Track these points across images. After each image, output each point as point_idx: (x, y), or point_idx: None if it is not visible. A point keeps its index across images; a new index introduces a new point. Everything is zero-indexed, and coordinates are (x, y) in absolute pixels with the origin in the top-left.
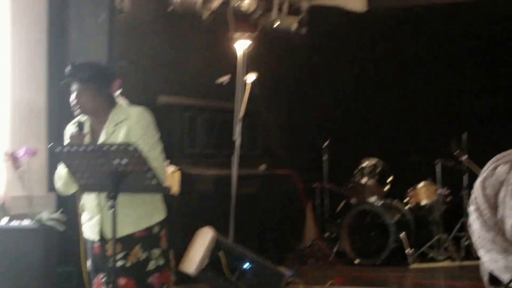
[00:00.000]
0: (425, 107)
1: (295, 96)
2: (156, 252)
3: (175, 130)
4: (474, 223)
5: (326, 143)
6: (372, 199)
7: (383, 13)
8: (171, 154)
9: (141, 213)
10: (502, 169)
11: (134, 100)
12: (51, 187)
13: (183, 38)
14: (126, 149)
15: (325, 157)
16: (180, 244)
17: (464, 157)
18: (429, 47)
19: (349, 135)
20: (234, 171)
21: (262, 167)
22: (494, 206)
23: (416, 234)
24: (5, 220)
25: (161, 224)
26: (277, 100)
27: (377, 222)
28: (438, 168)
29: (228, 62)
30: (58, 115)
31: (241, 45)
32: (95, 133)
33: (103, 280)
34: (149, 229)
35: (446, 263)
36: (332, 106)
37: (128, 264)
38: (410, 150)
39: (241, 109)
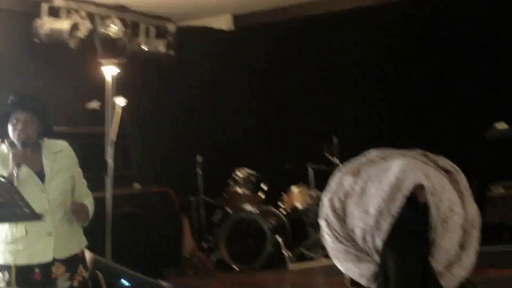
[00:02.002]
0: (295, 112)
1: (167, 116)
2: (87, 271)
3: None
4: (326, 235)
5: (199, 158)
6: (248, 207)
7: (250, 31)
8: None
9: (79, 234)
10: (347, 181)
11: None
12: None
13: (51, 68)
14: None
15: (199, 172)
16: None
17: (335, 160)
18: (295, 58)
19: (222, 148)
20: (108, 191)
21: (137, 186)
22: (343, 218)
23: (293, 237)
24: None
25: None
26: (150, 121)
27: (254, 229)
28: (310, 172)
29: (98, 88)
30: None
31: (109, 71)
32: (27, 162)
33: None
34: (82, 250)
35: (324, 262)
36: (204, 121)
37: (76, 284)
38: (282, 156)
39: (112, 132)
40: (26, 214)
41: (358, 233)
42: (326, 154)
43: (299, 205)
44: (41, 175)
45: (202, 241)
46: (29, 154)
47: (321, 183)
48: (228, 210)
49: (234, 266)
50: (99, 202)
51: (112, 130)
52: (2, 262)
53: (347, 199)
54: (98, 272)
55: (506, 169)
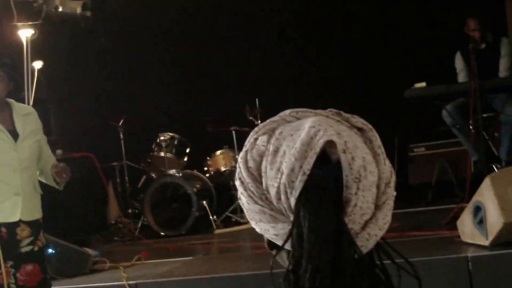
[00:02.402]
0: (218, 76)
1: (86, 78)
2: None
3: None
4: (242, 196)
5: (121, 122)
6: (172, 171)
7: None
8: None
9: (40, 201)
10: (261, 140)
11: None
12: None
13: None
14: None
15: (121, 136)
16: None
17: (257, 122)
18: (216, 17)
19: (144, 112)
20: None
21: (58, 152)
22: (258, 178)
23: (219, 201)
24: None
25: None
26: (69, 85)
27: (179, 194)
28: (234, 135)
29: (14, 51)
30: None
31: (25, 33)
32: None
33: (10, 266)
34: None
35: (250, 225)
36: (126, 85)
37: (36, 249)
38: (206, 120)
39: (30, 97)
40: None
41: (272, 192)
42: (249, 117)
43: (223, 169)
44: (13, 134)
45: (127, 208)
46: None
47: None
48: (153, 175)
49: (160, 232)
50: None
51: (31, 96)
52: None
53: (261, 158)
54: None
55: (428, 130)
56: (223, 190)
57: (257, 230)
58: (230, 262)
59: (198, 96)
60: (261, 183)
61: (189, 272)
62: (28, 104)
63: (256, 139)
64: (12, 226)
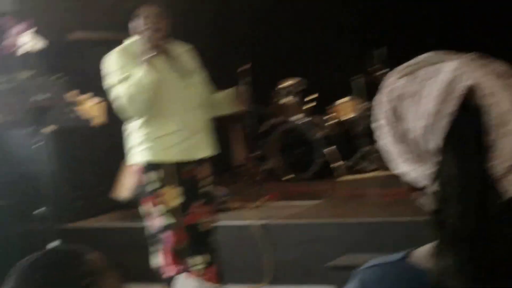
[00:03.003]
0: (343, 20)
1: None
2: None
3: (94, 64)
4: (384, 137)
5: (244, 67)
6: (296, 117)
7: None
8: (96, 88)
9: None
10: (402, 82)
11: (50, 37)
12: None
13: None
14: (45, 84)
15: (244, 81)
16: (113, 173)
17: (385, 71)
18: None
19: (271, 56)
20: None
21: None
22: (397, 120)
23: (342, 149)
24: None
25: None
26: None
27: (301, 140)
28: (359, 83)
29: None
30: None
31: None
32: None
33: (197, 207)
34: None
35: (375, 173)
36: (249, 29)
37: (211, 189)
38: (331, 66)
39: None
40: (74, 119)
41: (413, 134)
42: (375, 64)
43: (348, 116)
44: (179, 71)
45: (251, 151)
46: (163, 46)
47: (370, 95)
48: (277, 120)
49: (284, 177)
50: None
51: None
52: (152, 157)
53: (401, 101)
54: None
55: None
56: (346, 138)
57: (398, 172)
58: (357, 208)
59: (324, 42)
60: (401, 124)
61: (316, 216)
62: None
63: (395, 80)
64: (193, 165)
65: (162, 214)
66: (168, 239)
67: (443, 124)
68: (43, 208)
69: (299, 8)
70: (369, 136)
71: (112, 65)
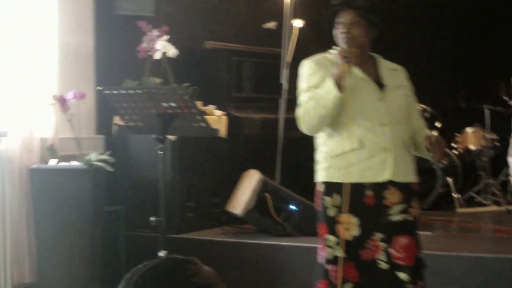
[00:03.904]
0: (471, 51)
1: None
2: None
3: (222, 75)
4: None
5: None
6: None
7: None
8: (219, 98)
9: (414, 163)
10: None
11: (181, 45)
12: (99, 129)
13: None
14: (175, 92)
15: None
16: (228, 186)
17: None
18: None
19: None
20: (281, 114)
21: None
22: None
23: (464, 179)
24: (53, 161)
25: None
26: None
27: (424, 167)
28: (486, 113)
29: (275, 7)
30: (106, 58)
31: None
32: (365, 71)
33: (380, 240)
34: (418, 184)
35: (493, 208)
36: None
37: (410, 219)
38: (458, 95)
39: (288, 54)
40: (201, 129)
41: None
42: (503, 95)
43: (472, 147)
44: (378, 84)
45: None
46: (361, 58)
47: (497, 126)
48: None
49: None
50: (271, 125)
51: (288, 52)
52: (326, 179)
53: None
54: (266, 194)
55: None
56: (470, 168)
57: None
58: (470, 242)
59: (451, 70)
60: None
61: (428, 247)
62: (285, 61)
63: None
64: (379, 189)
65: (332, 245)
66: (333, 273)
67: None
68: (157, 217)
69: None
70: (491, 169)
71: (303, 71)
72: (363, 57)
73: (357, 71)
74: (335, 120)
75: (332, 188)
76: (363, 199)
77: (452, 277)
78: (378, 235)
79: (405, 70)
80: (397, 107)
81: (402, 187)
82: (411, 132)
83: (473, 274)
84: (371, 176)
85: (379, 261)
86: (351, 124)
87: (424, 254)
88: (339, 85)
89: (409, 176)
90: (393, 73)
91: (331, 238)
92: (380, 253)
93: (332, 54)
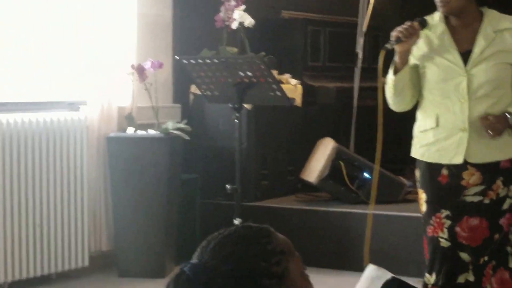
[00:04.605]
0: None
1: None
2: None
3: (298, 44)
4: None
5: None
6: None
7: None
8: (294, 68)
9: (508, 140)
10: None
11: (258, 15)
12: (176, 98)
13: None
14: (252, 61)
15: None
16: (302, 154)
17: None
18: None
19: None
20: (356, 83)
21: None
22: None
23: None
24: (131, 129)
25: None
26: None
27: None
28: None
29: None
30: (184, 28)
31: None
32: (460, 38)
33: (445, 217)
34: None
35: None
36: None
37: (486, 201)
38: None
39: (364, 23)
40: (277, 98)
41: None
42: None
43: None
44: (466, 55)
45: None
46: (456, 25)
47: None
48: None
49: None
50: (346, 93)
51: (365, 21)
52: (413, 153)
53: None
54: (341, 162)
55: None
56: None
57: None
58: None
59: None
60: None
61: None
62: (361, 30)
63: None
64: (457, 169)
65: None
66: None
67: None
68: (233, 185)
69: None
70: None
71: None
72: (464, 19)
73: (443, 40)
74: (421, 95)
75: (417, 162)
76: (437, 177)
77: None
78: (444, 213)
79: None
80: (484, 80)
81: (484, 168)
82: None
83: None
84: (447, 158)
85: (441, 239)
86: (431, 100)
87: None
88: (398, 66)
89: (496, 155)
90: (500, 35)
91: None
92: (444, 230)
93: (433, 19)
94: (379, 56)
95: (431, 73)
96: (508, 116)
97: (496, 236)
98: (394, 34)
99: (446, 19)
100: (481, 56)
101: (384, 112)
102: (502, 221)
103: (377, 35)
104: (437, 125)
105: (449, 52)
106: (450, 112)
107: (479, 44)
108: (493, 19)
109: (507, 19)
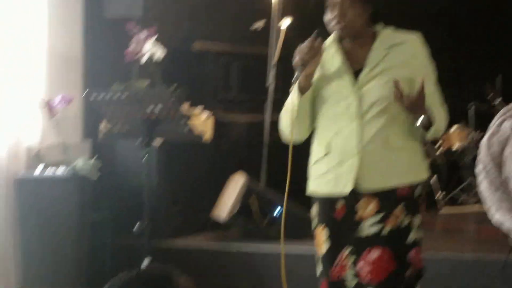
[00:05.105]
0: (458, 50)
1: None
2: (417, 220)
3: (209, 76)
4: (482, 183)
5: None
6: None
7: None
8: (206, 100)
9: (407, 163)
10: (507, 124)
11: (169, 46)
12: (86, 134)
13: None
14: (161, 96)
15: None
16: (214, 190)
17: (498, 101)
18: None
19: None
20: (267, 117)
21: None
22: (500, 164)
23: (447, 179)
24: (40, 167)
25: (424, 186)
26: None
27: None
28: (471, 112)
29: (263, 7)
30: (94, 61)
31: None
32: (353, 57)
33: (348, 254)
34: (412, 187)
35: (477, 207)
36: None
37: (386, 231)
38: (443, 93)
39: (275, 55)
40: (187, 133)
41: None
42: (488, 95)
43: (456, 146)
44: (358, 76)
45: None
46: (350, 46)
47: (482, 125)
48: None
49: None
50: (257, 127)
51: (276, 53)
52: (312, 190)
53: (505, 144)
54: (252, 197)
55: None
56: (453, 168)
57: (496, 218)
58: (453, 242)
59: (437, 68)
60: (502, 169)
61: None
62: (271, 63)
63: (501, 122)
64: (351, 200)
65: (317, 259)
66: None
67: None
68: (141, 223)
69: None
70: (474, 167)
71: None
72: (358, 40)
73: (335, 60)
74: (316, 122)
75: (313, 198)
76: (333, 212)
77: (435, 278)
78: (347, 250)
79: (416, 42)
80: (375, 99)
81: (381, 195)
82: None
83: (456, 275)
84: (340, 187)
85: (346, 280)
86: (324, 126)
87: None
88: (302, 90)
89: (392, 180)
90: (393, 50)
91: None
92: (348, 270)
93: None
94: (290, 90)
95: (324, 95)
96: (422, 117)
97: (407, 273)
98: (296, 60)
99: (340, 40)
100: (371, 73)
101: (297, 146)
102: (411, 256)
103: (290, 66)
104: (329, 151)
105: (340, 73)
106: (342, 136)
107: (370, 62)
108: (386, 36)
109: (399, 34)
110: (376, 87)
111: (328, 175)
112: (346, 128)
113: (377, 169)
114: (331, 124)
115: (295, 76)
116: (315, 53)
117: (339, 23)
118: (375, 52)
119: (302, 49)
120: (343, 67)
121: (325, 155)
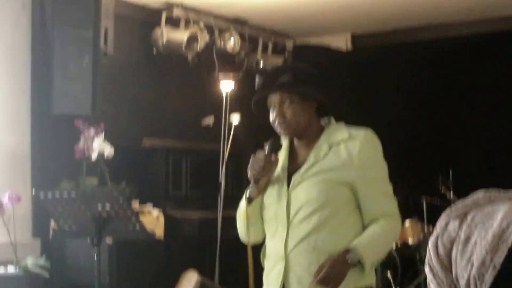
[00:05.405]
0: (410, 143)
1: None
2: None
3: (159, 173)
4: (431, 284)
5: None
6: None
7: (368, 52)
8: (156, 197)
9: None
10: (452, 226)
11: (118, 143)
12: (35, 232)
13: (167, 80)
14: (110, 194)
15: None
16: None
17: (450, 194)
18: (413, 82)
19: None
20: (219, 213)
21: None
22: (447, 266)
23: (403, 273)
24: None
25: None
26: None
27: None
28: (424, 206)
29: (213, 103)
30: (43, 159)
31: (226, 86)
32: (297, 157)
33: None
34: None
35: None
36: None
37: None
38: (396, 187)
39: (226, 151)
40: (137, 231)
41: (462, 283)
42: (441, 188)
43: (410, 241)
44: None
45: None
46: (298, 145)
47: (435, 218)
48: None
49: None
50: (209, 224)
51: (227, 150)
52: None
53: (452, 245)
54: None
55: None
56: (409, 262)
57: None
58: None
59: (387, 160)
60: (450, 271)
61: None
62: (223, 159)
63: (447, 223)
64: None
65: None
66: None
67: (491, 275)
68: None
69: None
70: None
71: None
72: (306, 138)
73: (280, 164)
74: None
75: None
76: None
77: None
78: None
79: (361, 140)
80: (303, 202)
81: None
82: (346, 226)
83: None
84: None
85: None
86: (266, 228)
87: None
88: (253, 196)
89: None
90: (336, 149)
91: None
92: None
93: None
94: (244, 210)
95: (264, 200)
96: (349, 253)
97: None
98: (250, 175)
99: (292, 139)
100: (305, 174)
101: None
102: None
103: (240, 163)
104: (268, 255)
105: (279, 176)
106: (274, 241)
107: (308, 162)
108: (331, 133)
109: (346, 130)
110: (304, 189)
111: (265, 280)
112: (277, 233)
113: (306, 274)
114: (268, 229)
115: (249, 189)
116: (269, 169)
117: (280, 124)
118: (316, 151)
119: (256, 162)
120: (284, 168)
121: (266, 259)
